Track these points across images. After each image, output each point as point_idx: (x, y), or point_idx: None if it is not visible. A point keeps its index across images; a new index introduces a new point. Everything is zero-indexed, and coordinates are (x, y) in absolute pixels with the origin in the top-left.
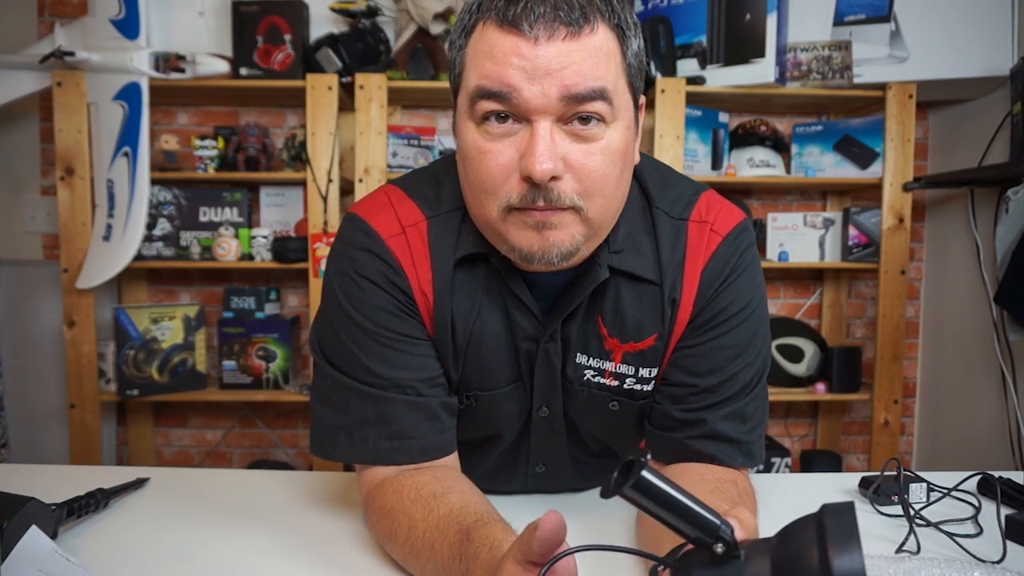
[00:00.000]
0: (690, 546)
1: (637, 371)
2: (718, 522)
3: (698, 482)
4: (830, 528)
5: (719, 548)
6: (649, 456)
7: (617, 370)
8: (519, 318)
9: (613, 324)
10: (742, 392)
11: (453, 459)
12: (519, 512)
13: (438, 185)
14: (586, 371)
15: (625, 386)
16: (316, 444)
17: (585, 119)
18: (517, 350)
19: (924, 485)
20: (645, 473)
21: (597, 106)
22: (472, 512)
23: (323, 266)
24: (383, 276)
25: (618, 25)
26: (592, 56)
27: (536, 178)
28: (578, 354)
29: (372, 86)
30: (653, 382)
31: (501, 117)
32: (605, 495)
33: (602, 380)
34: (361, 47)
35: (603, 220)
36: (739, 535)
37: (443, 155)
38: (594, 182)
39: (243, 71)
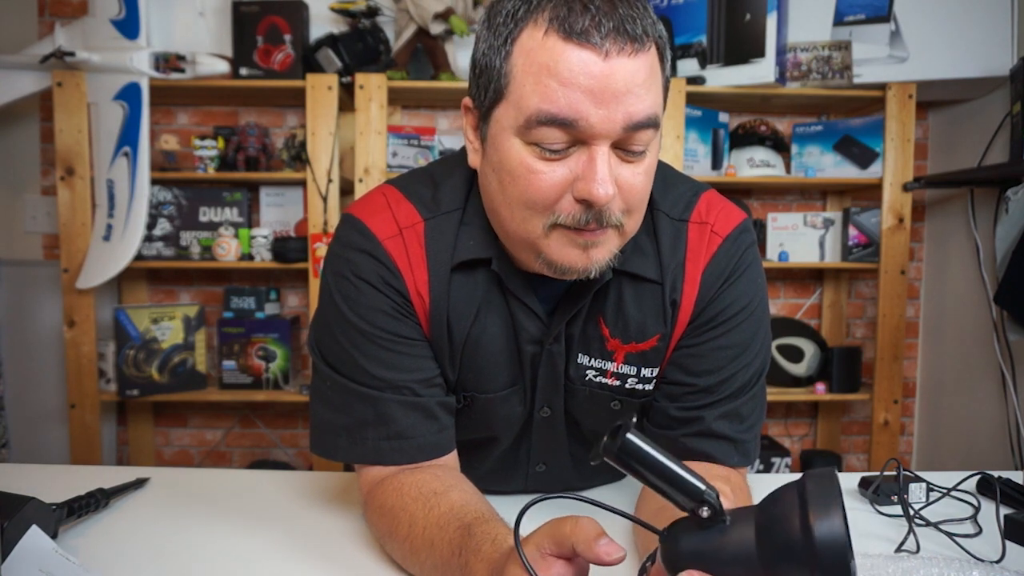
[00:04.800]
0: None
1: (639, 371)
2: (703, 486)
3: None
4: (811, 493)
5: (704, 512)
6: (634, 419)
7: (619, 370)
8: (524, 320)
9: (615, 325)
10: (740, 392)
11: (452, 458)
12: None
13: (435, 186)
14: (588, 371)
15: (627, 386)
16: (317, 444)
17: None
18: (520, 352)
19: (924, 485)
20: (630, 436)
21: (649, 134)
22: (473, 509)
23: (322, 266)
24: (379, 277)
25: (660, 38)
26: (649, 78)
27: (599, 204)
28: (580, 354)
29: (372, 86)
30: (654, 381)
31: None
32: (594, 459)
33: (604, 380)
34: (361, 47)
35: (633, 232)
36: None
37: (442, 156)
38: (638, 200)
39: (243, 71)
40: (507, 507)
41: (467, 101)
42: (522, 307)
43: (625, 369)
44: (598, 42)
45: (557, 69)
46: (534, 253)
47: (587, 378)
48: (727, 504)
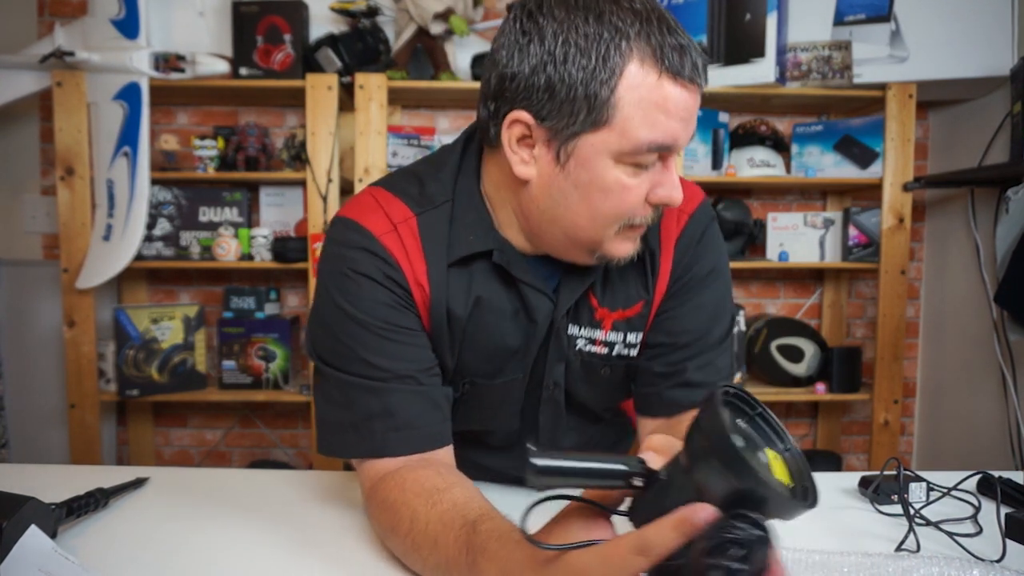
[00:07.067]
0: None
1: (625, 337)
2: (623, 467)
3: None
4: (701, 407)
5: (638, 482)
6: (534, 445)
7: (607, 338)
8: (534, 301)
9: (604, 295)
10: (715, 345)
11: (450, 455)
12: (521, 507)
13: (421, 183)
14: (578, 340)
15: (614, 352)
16: (324, 444)
17: None
18: (527, 334)
19: (924, 484)
20: (533, 459)
21: None
22: (476, 507)
23: (317, 269)
24: (379, 271)
25: None
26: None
27: (676, 206)
28: (570, 324)
29: (372, 86)
30: (638, 347)
31: None
32: (532, 487)
33: (593, 348)
34: (361, 47)
35: None
36: (655, 463)
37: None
38: None
39: (243, 71)
40: (509, 503)
41: (521, 116)
42: (531, 289)
43: (612, 336)
44: (695, 80)
45: (666, 106)
46: (589, 250)
47: (578, 347)
48: (656, 461)
